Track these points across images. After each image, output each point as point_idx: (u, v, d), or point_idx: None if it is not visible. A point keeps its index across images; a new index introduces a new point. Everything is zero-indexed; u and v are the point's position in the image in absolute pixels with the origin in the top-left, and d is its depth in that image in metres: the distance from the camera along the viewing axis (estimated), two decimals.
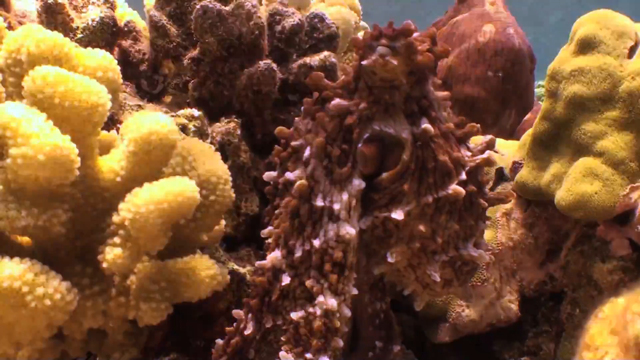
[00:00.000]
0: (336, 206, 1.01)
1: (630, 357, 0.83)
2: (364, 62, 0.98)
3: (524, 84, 2.23)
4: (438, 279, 1.01)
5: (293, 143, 1.06)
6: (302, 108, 1.07)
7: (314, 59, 1.71)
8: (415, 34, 0.96)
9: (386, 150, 1.01)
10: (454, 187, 0.98)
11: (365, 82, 1.00)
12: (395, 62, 0.95)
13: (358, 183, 1.01)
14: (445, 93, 1.03)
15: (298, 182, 1.02)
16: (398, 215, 0.98)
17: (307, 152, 1.03)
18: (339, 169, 1.01)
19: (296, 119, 1.09)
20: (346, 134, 1.01)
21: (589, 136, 1.43)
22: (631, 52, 1.47)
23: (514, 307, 1.60)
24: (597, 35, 1.48)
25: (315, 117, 1.03)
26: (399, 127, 0.99)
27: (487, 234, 1.63)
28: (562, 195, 1.42)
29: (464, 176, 0.99)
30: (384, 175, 1.00)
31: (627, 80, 1.42)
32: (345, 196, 1.01)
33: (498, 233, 1.63)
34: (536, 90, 3.52)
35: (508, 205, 1.65)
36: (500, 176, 1.71)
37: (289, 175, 1.04)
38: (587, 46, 1.49)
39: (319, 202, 1.01)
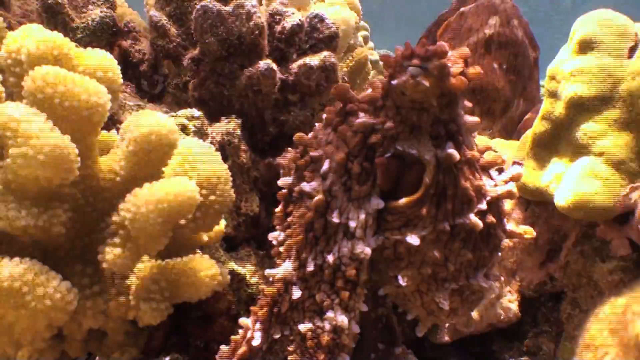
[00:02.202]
0: (352, 224, 0.99)
1: (630, 357, 0.83)
2: (394, 82, 0.94)
3: (528, 74, 2.26)
4: (447, 307, 0.99)
5: (312, 153, 1.03)
6: (324, 117, 1.04)
7: (314, 59, 1.71)
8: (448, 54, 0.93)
9: (405, 169, 0.98)
10: (472, 218, 0.95)
11: (394, 101, 0.97)
12: (427, 84, 0.91)
13: (376, 202, 0.99)
14: (475, 119, 1.00)
15: (316, 198, 1.00)
16: (413, 240, 0.96)
17: (326, 165, 1.01)
18: (358, 187, 0.99)
19: (316, 125, 1.07)
20: (368, 152, 0.99)
21: (589, 136, 1.43)
22: (631, 52, 1.47)
23: (514, 307, 1.60)
24: (597, 35, 1.48)
25: (337, 130, 1.01)
26: (422, 149, 0.96)
27: None
28: (562, 195, 1.42)
29: (484, 205, 0.96)
30: (402, 201, 0.97)
31: (627, 80, 1.42)
32: (362, 215, 0.99)
33: None
34: None
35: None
36: None
37: (305, 186, 1.02)
38: (587, 46, 1.49)
39: (335, 219, 0.99)
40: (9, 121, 1.06)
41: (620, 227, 1.41)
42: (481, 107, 2.21)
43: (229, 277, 1.43)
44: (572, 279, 1.53)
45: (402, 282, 0.99)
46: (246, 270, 1.57)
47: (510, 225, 1.05)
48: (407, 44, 0.94)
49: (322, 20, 1.75)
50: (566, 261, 1.54)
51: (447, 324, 1.59)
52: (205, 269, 1.31)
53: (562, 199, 1.41)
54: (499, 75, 2.20)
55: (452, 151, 0.94)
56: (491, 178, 1.00)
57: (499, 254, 1.03)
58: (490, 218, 0.97)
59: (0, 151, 1.10)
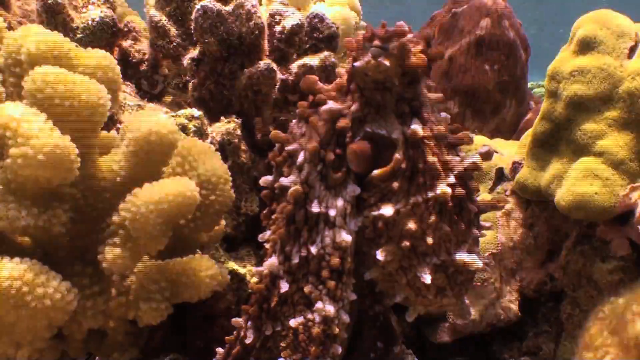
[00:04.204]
0: (332, 212, 1.00)
1: (630, 357, 0.83)
2: (356, 64, 0.97)
3: (520, 74, 2.28)
4: (429, 281, 0.98)
5: (287, 147, 1.05)
6: (297, 112, 1.07)
7: (314, 59, 1.71)
8: (409, 35, 0.96)
9: (378, 151, 1.00)
10: (442, 188, 0.97)
11: (358, 84, 1.00)
12: (387, 64, 0.94)
13: (352, 189, 1.00)
14: (439, 95, 1.02)
15: (292, 188, 1.01)
16: (387, 211, 0.97)
17: (301, 157, 1.02)
18: (334, 174, 1.00)
19: (291, 122, 1.09)
20: (339, 138, 1.01)
21: (589, 136, 1.43)
22: (631, 52, 1.47)
23: (514, 307, 1.60)
24: (597, 35, 1.48)
25: (309, 121, 1.03)
26: (390, 128, 0.98)
27: (487, 234, 1.63)
28: (562, 195, 1.42)
29: (452, 179, 0.98)
30: (375, 172, 0.99)
31: (627, 80, 1.42)
32: (340, 202, 1.00)
33: (498, 233, 1.63)
34: (536, 90, 3.53)
35: (508, 205, 1.65)
36: (500, 176, 1.71)
37: (284, 180, 1.04)
38: (587, 46, 1.49)
39: (315, 208, 1.01)
40: (9, 121, 1.06)
41: (620, 227, 1.41)
42: (472, 109, 2.23)
43: (229, 277, 1.43)
44: (572, 279, 1.53)
45: (380, 257, 0.99)
46: (246, 270, 1.57)
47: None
48: (368, 27, 0.97)
49: (322, 20, 1.74)
50: (566, 261, 1.54)
51: (447, 325, 1.59)
52: (205, 269, 1.31)
53: (562, 199, 1.41)
54: (490, 76, 2.22)
55: (416, 127, 0.97)
56: (458, 155, 1.01)
57: (478, 231, 1.04)
58: (459, 190, 0.99)
59: (0, 151, 1.10)
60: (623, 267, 1.43)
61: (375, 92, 0.99)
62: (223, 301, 1.45)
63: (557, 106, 1.51)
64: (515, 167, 1.63)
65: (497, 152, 1.80)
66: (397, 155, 0.98)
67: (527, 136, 1.62)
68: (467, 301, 1.08)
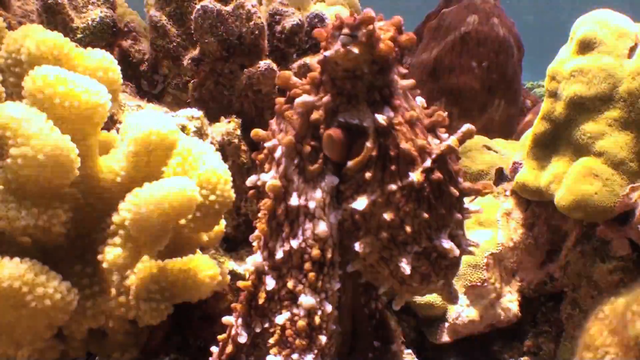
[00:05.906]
0: (311, 204, 1.00)
1: (630, 357, 0.83)
2: (326, 53, 0.97)
3: (511, 73, 2.22)
4: (408, 271, 0.97)
5: (267, 144, 1.06)
6: (275, 108, 1.07)
7: (314, 59, 1.71)
8: (380, 23, 0.96)
9: (353, 141, 1.00)
10: (416, 174, 0.95)
11: (329, 75, 1.00)
12: (356, 51, 0.94)
13: (330, 180, 1.00)
14: (411, 81, 1.02)
15: (269, 183, 1.01)
16: (359, 205, 0.97)
17: (278, 152, 1.03)
18: (311, 166, 1.01)
19: (271, 120, 1.09)
20: (314, 130, 1.01)
21: (589, 136, 1.43)
22: (631, 52, 1.47)
23: (514, 307, 1.60)
24: (597, 35, 1.48)
25: (284, 116, 1.04)
26: (362, 117, 0.98)
27: (487, 234, 1.63)
28: (562, 195, 1.42)
29: (429, 163, 0.97)
30: (349, 164, 0.98)
31: (627, 80, 1.42)
32: (319, 193, 1.00)
33: (498, 233, 1.63)
34: (536, 90, 3.52)
35: (508, 205, 1.65)
36: (500, 176, 1.71)
37: (264, 177, 1.04)
38: (587, 46, 1.49)
39: (294, 202, 1.01)
40: (9, 121, 1.06)
41: (620, 227, 1.41)
42: (459, 107, 2.18)
43: (229, 277, 1.43)
44: (572, 279, 1.53)
45: (359, 249, 0.99)
46: (246, 270, 1.57)
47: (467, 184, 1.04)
48: (337, 16, 0.97)
49: (322, 20, 1.75)
50: (566, 261, 1.54)
51: (447, 325, 1.59)
52: (205, 269, 1.31)
53: (562, 199, 1.41)
54: (477, 74, 2.17)
55: (381, 116, 0.96)
56: (438, 138, 1.00)
57: (461, 214, 1.02)
58: (438, 174, 0.97)
59: (0, 151, 1.10)
60: (623, 267, 1.43)
61: (346, 82, 0.99)
62: (223, 301, 1.45)
63: (557, 106, 1.51)
64: (515, 167, 1.63)
65: (496, 152, 1.80)
66: (367, 144, 0.97)
67: (527, 136, 1.62)
68: (455, 286, 1.07)
